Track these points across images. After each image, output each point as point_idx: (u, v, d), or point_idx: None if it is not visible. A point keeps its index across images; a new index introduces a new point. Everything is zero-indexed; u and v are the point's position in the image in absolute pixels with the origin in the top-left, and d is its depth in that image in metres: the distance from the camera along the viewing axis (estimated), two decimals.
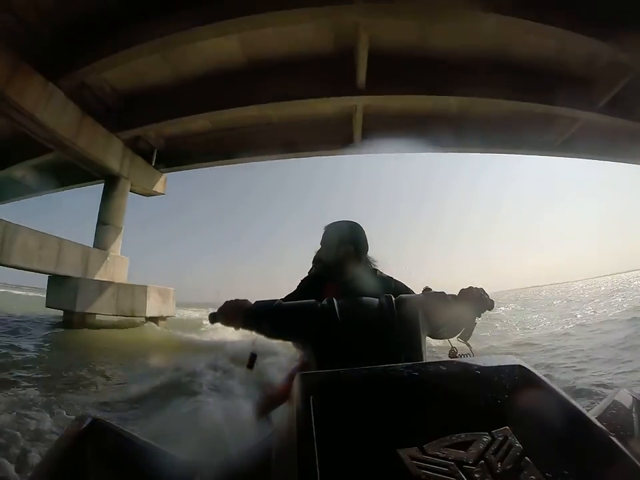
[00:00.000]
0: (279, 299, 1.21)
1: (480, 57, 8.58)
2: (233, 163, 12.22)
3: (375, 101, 9.33)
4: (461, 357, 1.10)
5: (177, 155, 12.15)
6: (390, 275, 1.51)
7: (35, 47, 7.88)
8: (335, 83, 8.73)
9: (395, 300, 1.08)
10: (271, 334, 1.10)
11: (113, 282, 9.53)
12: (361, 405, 0.65)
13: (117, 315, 9.43)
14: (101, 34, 7.80)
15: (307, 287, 1.49)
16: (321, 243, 1.48)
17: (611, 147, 11.70)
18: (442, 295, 1.14)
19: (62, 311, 9.44)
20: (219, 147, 11.51)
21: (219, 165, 12.40)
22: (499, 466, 0.53)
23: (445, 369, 0.75)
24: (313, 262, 1.77)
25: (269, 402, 1.59)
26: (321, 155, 12.50)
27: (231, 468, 0.91)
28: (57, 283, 8.98)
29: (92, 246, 10.00)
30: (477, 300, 1.11)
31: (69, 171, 12.11)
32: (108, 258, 9.85)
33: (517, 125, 11.09)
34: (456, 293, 1.14)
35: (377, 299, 1.09)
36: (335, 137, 11.16)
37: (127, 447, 0.92)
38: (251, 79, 8.97)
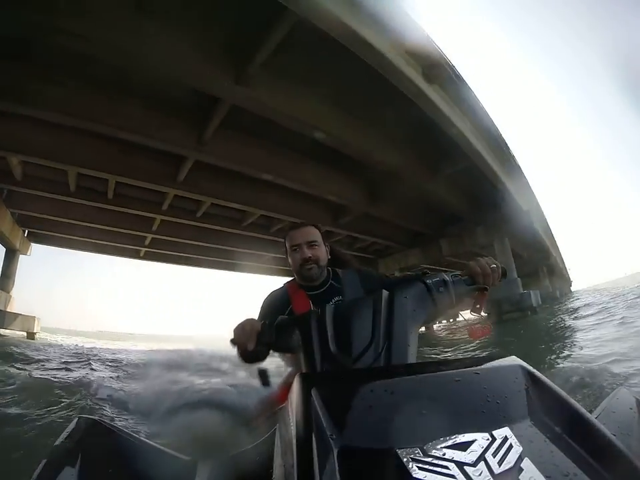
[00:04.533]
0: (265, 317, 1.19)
1: None
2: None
3: None
4: (479, 329, 1.10)
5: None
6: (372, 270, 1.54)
7: None
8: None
9: (386, 296, 1.05)
10: (278, 349, 1.13)
11: (21, 314, 17.40)
12: (360, 405, 0.66)
13: (22, 331, 17.18)
14: None
15: (272, 301, 1.44)
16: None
17: None
18: (439, 276, 1.10)
19: None
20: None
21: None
22: (499, 466, 0.53)
23: (444, 368, 0.75)
24: None
25: (268, 402, 1.56)
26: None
27: (231, 468, 0.93)
28: None
29: None
30: (485, 272, 1.08)
31: None
32: (11, 298, 17.42)
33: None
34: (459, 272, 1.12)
35: (370, 299, 1.07)
36: None
37: (127, 447, 0.94)
38: None
